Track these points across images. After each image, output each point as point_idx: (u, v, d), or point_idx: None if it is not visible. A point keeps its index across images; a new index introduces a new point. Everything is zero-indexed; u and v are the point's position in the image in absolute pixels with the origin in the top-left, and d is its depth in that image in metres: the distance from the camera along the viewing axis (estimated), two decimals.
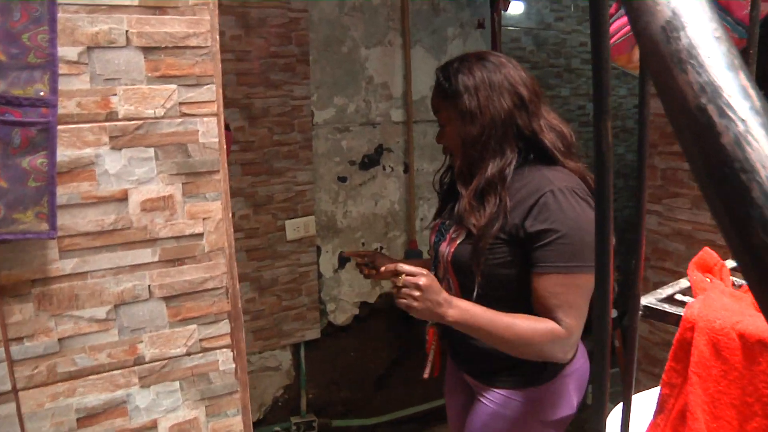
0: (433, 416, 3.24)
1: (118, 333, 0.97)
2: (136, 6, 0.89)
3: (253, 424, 2.79)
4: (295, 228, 2.64)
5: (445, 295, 1.24)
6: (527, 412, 1.38)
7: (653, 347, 2.01)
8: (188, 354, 1.04)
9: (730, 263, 1.21)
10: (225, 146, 0.99)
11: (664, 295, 1.00)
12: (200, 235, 1.00)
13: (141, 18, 0.90)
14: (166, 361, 1.02)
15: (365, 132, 2.77)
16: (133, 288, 0.97)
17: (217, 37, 0.95)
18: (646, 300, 0.98)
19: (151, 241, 0.97)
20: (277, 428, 2.84)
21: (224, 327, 1.06)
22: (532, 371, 1.35)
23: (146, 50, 0.91)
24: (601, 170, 0.57)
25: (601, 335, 0.63)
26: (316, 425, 2.86)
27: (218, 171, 0.99)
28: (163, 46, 0.92)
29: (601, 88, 0.55)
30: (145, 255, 0.97)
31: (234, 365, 1.08)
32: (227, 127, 2.34)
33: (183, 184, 0.97)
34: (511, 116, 1.28)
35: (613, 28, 1.56)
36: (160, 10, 0.91)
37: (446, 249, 1.38)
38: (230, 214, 1.02)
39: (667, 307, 0.95)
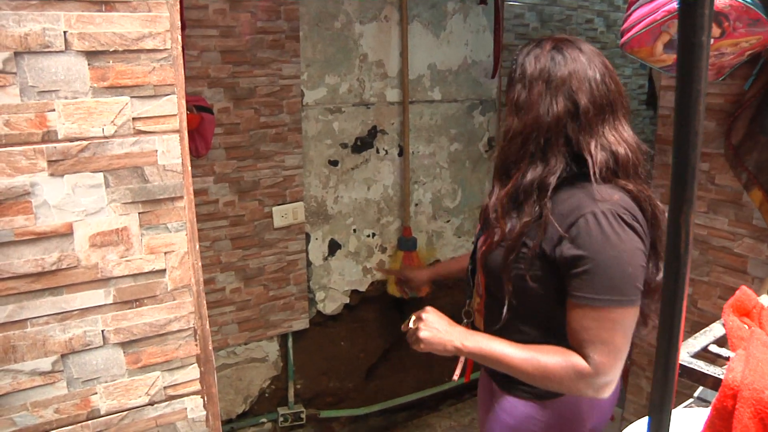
0: (424, 405, 3.17)
1: (67, 386, 0.84)
2: (75, 1, 0.73)
3: (239, 416, 2.69)
4: (283, 215, 2.49)
5: (458, 327, 1.24)
6: (537, 424, 1.30)
7: None
8: (151, 403, 0.90)
9: (767, 300, 1.07)
10: (189, 168, 0.83)
11: (697, 348, 0.87)
12: (162, 272, 0.85)
13: (83, 16, 0.73)
14: (125, 413, 0.89)
15: (358, 113, 2.60)
16: (83, 335, 0.83)
17: (179, 37, 0.79)
18: (680, 356, 0.84)
19: (104, 281, 0.82)
20: (264, 419, 2.75)
21: (192, 372, 0.92)
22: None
23: (90, 55, 0.75)
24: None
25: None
26: (304, 416, 2.77)
27: (181, 197, 0.83)
28: (111, 49, 0.76)
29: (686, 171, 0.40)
30: (97, 297, 0.82)
31: (205, 412, 0.95)
32: (210, 110, 2.18)
33: (140, 213, 0.82)
34: (558, 122, 1.14)
35: (633, 18, 1.40)
36: (106, 5, 0.74)
37: (481, 245, 1.29)
38: (197, 246, 0.87)
39: (703, 367, 0.82)
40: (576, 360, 1.10)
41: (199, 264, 0.88)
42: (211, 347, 0.93)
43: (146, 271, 0.84)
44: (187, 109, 2.00)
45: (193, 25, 2.10)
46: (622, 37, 1.42)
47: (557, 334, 1.17)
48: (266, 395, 2.75)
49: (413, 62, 2.65)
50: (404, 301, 2.92)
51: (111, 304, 0.84)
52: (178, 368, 0.91)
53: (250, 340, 2.59)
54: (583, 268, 1.08)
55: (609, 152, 1.14)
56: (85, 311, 0.82)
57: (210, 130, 2.15)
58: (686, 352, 0.86)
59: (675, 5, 1.29)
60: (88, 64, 0.75)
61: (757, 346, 0.85)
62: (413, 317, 1.26)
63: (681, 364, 0.83)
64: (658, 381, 0.48)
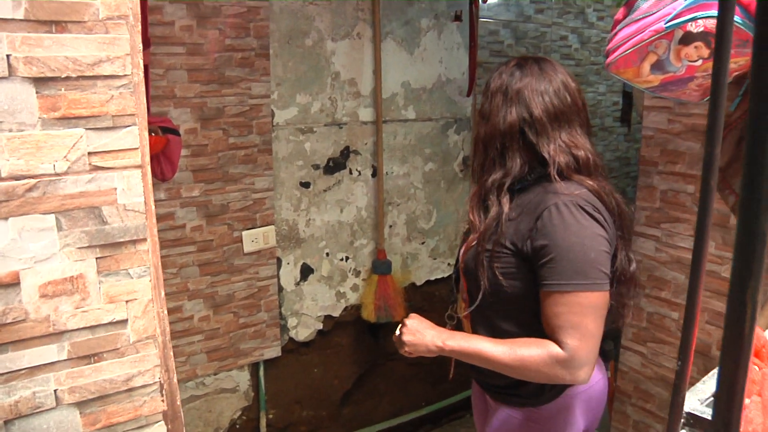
0: (400, 430, 3.07)
1: None
2: (20, 20, 0.64)
3: None
4: (254, 239, 2.39)
5: (440, 328, 1.31)
6: (534, 429, 1.35)
7: (646, 381, 1.85)
8: None
9: None
10: (152, 207, 0.74)
11: (707, 394, 0.81)
12: (123, 323, 0.76)
13: (29, 37, 0.64)
14: None
15: (330, 133, 2.52)
16: (32, 396, 0.73)
17: (140, 61, 0.71)
18: (689, 404, 0.78)
19: (56, 335, 0.72)
20: None
21: (159, 430, 0.82)
22: (530, 392, 1.32)
23: (39, 82, 0.66)
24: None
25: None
26: None
27: (144, 239, 0.74)
28: (63, 76, 0.67)
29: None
30: (49, 353, 0.73)
31: None
32: (176, 132, 2.07)
33: (97, 259, 0.72)
34: (512, 128, 1.26)
35: (619, 37, 1.35)
36: (57, 26, 0.66)
37: (461, 252, 1.39)
38: (162, 293, 0.78)
39: None
40: (551, 347, 1.15)
41: (165, 312, 0.78)
42: (179, 402, 0.84)
43: (105, 322, 0.75)
44: (153, 131, 1.90)
45: (159, 43, 2.00)
46: (607, 57, 1.38)
47: (539, 331, 1.22)
48: (237, 427, 2.63)
49: (386, 80, 2.59)
50: (378, 326, 2.84)
51: (65, 360, 0.74)
52: (142, 427, 0.81)
53: (219, 370, 2.47)
54: (549, 256, 1.16)
55: (570, 155, 1.24)
56: (34, 370, 0.72)
57: (176, 153, 2.05)
58: (697, 400, 0.79)
59: (663, 25, 1.25)
60: (36, 92, 0.66)
61: None
62: (400, 325, 1.33)
63: (693, 414, 0.77)
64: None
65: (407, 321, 1.32)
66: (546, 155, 1.23)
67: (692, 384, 0.86)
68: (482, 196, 1.32)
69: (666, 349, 1.78)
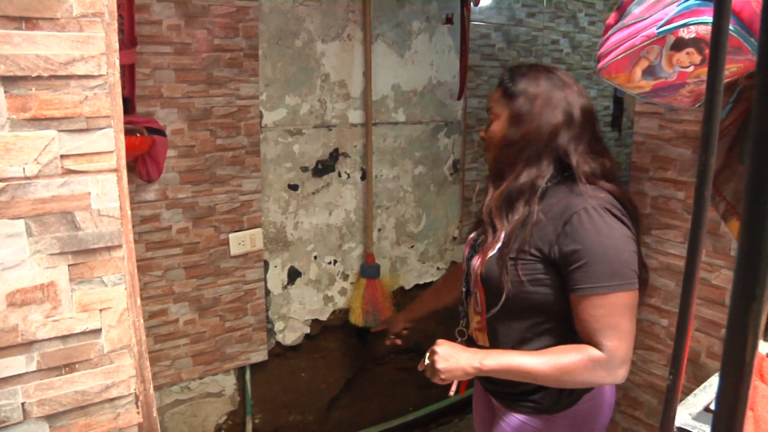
0: None
1: None
2: None
3: None
4: (241, 242, 2.36)
5: (471, 349, 1.30)
6: None
7: (635, 389, 1.84)
8: None
9: (765, 347, 1.01)
10: (128, 212, 0.72)
11: (698, 408, 0.79)
12: (97, 332, 0.73)
13: None
14: None
15: (320, 135, 2.49)
16: None
17: (116, 61, 0.68)
18: (680, 418, 0.76)
19: (25, 346, 0.69)
20: None
21: None
22: (548, 399, 1.33)
23: (7, 81, 0.63)
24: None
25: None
26: None
27: (120, 246, 0.71)
28: (34, 75, 0.64)
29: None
30: (17, 364, 0.70)
31: None
32: (162, 132, 2.04)
33: (69, 266, 0.70)
34: (555, 132, 1.28)
35: (610, 42, 1.34)
36: (27, 22, 0.63)
37: (477, 261, 1.36)
38: (138, 301, 0.75)
39: None
40: (591, 351, 1.17)
41: (141, 321, 0.76)
42: (155, 414, 0.81)
43: (78, 331, 0.72)
44: (139, 132, 1.87)
45: (146, 42, 1.97)
46: (598, 62, 1.36)
47: (558, 336, 1.26)
48: (222, 431, 2.59)
49: (377, 83, 2.56)
50: (366, 330, 2.81)
51: (34, 371, 0.71)
52: None
53: (205, 374, 2.44)
54: (582, 261, 1.17)
55: (596, 161, 1.28)
56: (0, 382, 0.69)
57: (162, 154, 2.02)
58: (687, 414, 0.77)
59: (655, 30, 1.24)
60: (5, 92, 0.63)
61: (765, 406, 0.77)
62: (427, 353, 1.33)
63: (683, 429, 0.75)
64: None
65: (437, 348, 1.31)
66: (574, 159, 1.27)
67: (683, 395, 0.84)
68: (505, 196, 1.31)
69: (655, 356, 1.77)
